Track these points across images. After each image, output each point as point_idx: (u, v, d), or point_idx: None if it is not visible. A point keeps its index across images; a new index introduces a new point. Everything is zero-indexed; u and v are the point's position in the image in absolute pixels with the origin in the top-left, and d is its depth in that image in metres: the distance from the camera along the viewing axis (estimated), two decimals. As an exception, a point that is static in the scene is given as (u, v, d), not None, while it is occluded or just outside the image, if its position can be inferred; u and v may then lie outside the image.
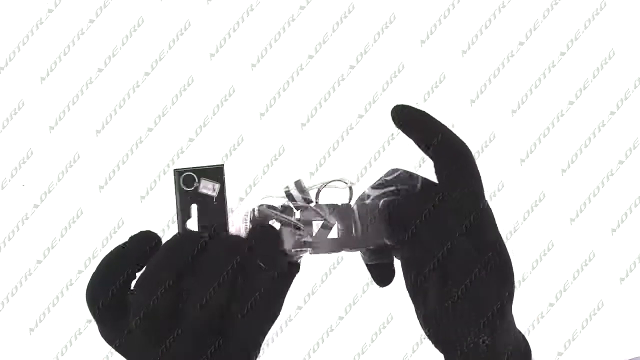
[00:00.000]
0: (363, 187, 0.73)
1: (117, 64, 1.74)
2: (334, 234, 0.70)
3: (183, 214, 0.66)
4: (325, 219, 0.69)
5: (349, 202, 0.70)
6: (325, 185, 0.69)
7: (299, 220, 0.68)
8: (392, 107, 0.67)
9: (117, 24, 1.74)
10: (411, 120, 0.66)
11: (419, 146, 0.67)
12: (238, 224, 0.66)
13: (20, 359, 1.65)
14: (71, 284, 1.64)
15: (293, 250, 0.68)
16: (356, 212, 0.70)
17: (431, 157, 0.67)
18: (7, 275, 1.66)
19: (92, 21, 1.74)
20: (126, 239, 0.64)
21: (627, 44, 1.76)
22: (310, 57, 1.73)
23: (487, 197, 0.68)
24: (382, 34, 1.74)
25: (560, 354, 1.62)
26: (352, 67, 1.73)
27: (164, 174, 1.68)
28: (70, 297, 1.64)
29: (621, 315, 1.66)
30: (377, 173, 0.71)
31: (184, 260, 0.61)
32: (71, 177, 1.70)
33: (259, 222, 0.66)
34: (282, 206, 0.68)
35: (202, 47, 1.74)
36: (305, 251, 0.69)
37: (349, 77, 1.73)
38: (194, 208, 0.67)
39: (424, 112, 0.67)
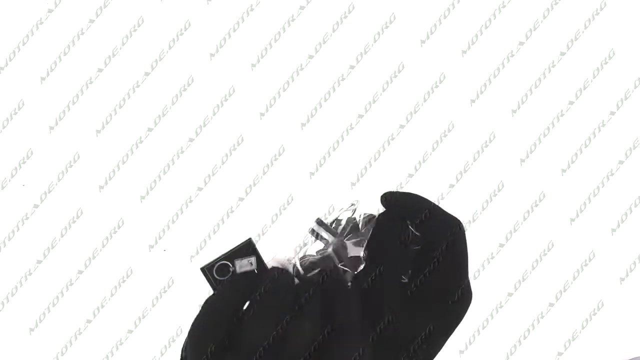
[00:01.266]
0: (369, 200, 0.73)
1: (117, 64, 1.74)
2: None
3: (228, 307, 0.64)
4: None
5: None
6: (340, 213, 0.68)
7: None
8: (380, 195, 0.68)
9: (117, 24, 1.74)
10: (398, 202, 0.68)
11: (411, 225, 0.68)
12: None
13: (20, 359, 1.65)
14: (71, 284, 1.64)
15: None
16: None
17: (421, 234, 0.67)
18: (7, 275, 1.66)
19: (92, 21, 1.74)
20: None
21: (627, 44, 1.76)
22: (310, 57, 1.73)
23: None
24: (382, 34, 1.74)
25: (560, 354, 1.62)
26: (352, 67, 1.73)
27: (164, 173, 1.68)
28: (70, 297, 1.64)
29: (621, 315, 1.66)
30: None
31: (288, 308, 0.63)
32: (71, 177, 1.70)
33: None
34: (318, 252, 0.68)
35: (202, 47, 1.74)
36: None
37: (349, 77, 1.73)
38: None
39: (409, 193, 0.69)
